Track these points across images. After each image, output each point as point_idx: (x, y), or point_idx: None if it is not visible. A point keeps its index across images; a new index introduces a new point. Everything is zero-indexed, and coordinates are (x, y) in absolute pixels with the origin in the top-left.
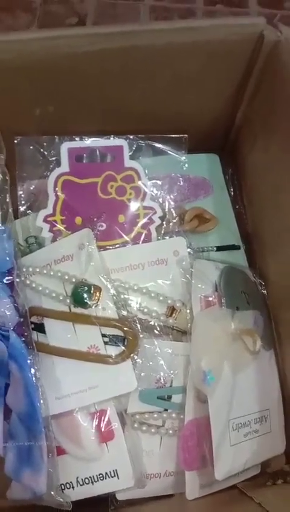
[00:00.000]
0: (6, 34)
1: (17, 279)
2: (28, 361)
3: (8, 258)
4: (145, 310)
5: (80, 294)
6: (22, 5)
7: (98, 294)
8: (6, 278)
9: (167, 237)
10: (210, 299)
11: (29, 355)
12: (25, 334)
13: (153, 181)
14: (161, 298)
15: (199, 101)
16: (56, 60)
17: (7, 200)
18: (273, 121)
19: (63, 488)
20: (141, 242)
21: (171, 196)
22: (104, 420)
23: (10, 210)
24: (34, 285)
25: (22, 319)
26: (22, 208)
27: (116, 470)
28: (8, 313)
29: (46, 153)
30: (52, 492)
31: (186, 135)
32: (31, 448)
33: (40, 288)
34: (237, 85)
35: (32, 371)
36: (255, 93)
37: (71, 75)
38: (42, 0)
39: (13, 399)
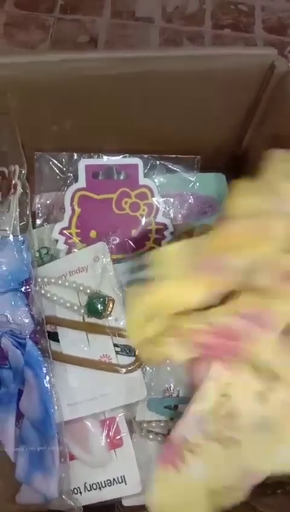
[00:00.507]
0: (28, 55)
1: (34, 289)
2: (44, 368)
3: (26, 268)
4: None
5: (95, 304)
6: (37, 23)
7: (111, 305)
8: (24, 287)
9: None
10: None
11: (45, 363)
12: (41, 341)
13: (165, 198)
14: None
15: (209, 125)
16: (76, 81)
17: (27, 212)
18: (280, 145)
19: (71, 493)
20: None
21: (182, 213)
22: (113, 427)
23: (30, 222)
24: (49, 295)
25: (38, 327)
26: (38, 221)
27: (124, 476)
28: (25, 321)
29: (64, 168)
30: (63, 497)
31: (198, 156)
32: (43, 453)
33: (55, 298)
34: (246, 112)
35: (48, 378)
36: (263, 120)
37: (90, 96)
38: (55, 18)
39: (27, 405)
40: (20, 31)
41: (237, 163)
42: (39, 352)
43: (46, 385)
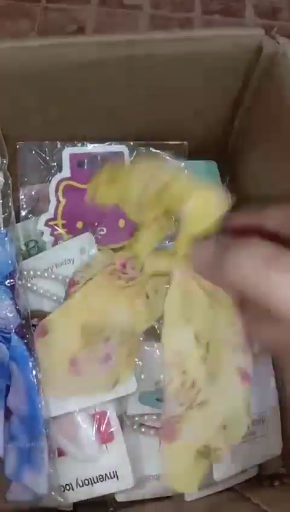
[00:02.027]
0: (9, 41)
1: (19, 282)
2: (30, 363)
3: (10, 261)
4: None
5: None
6: (23, 12)
7: None
8: (8, 280)
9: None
10: None
11: (31, 357)
12: (27, 336)
13: None
14: None
15: (198, 110)
16: (58, 67)
17: (10, 204)
18: (271, 130)
19: (62, 489)
20: None
21: None
22: (104, 422)
23: (13, 214)
24: (35, 288)
25: (23, 321)
26: (23, 212)
27: (115, 471)
28: (10, 315)
29: (47, 158)
30: (53, 493)
31: (185, 142)
32: (31, 450)
33: (42, 291)
34: (235, 94)
35: (34, 372)
36: (253, 103)
37: (73, 82)
38: (43, 8)
39: (14, 400)
40: (6, 20)
41: (228, 150)
42: (25, 347)
43: (32, 380)
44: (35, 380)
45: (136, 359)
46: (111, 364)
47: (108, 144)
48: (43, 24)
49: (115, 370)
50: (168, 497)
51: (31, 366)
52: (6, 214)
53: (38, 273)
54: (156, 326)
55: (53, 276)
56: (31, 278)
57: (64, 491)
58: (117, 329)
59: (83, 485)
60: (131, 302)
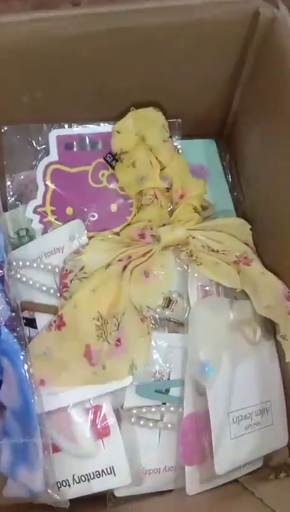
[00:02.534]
0: None
1: (8, 273)
2: (21, 357)
3: None
4: None
5: None
6: None
7: None
8: None
9: None
10: (207, 288)
11: (22, 350)
12: (17, 329)
13: None
14: None
15: (194, 84)
16: (45, 42)
17: None
18: (272, 103)
19: (59, 486)
20: None
21: None
22: (99, 416)
23: (0, 202)
24: (24, 279)
25: (13, 314)
26: (10, 200)
27: (112, 467)
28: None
29: (34, 141)
30: (49, 490)
31: (179, 120)
32: (26, 446)
33: (31, 282)
34: (233, 66)
35: (26, 366)
36: (252, 75)
37: (60, 58)
38: None
39: (7, 395)
40: None
41: (227, 128)
42: (15, 340)
43: (24, 374)
44: (27, 374)
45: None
46: (123, 348)
47: (97, 124)
48: (36, 3)
49: (128, 354)
50: (168, 491)
51: (22, 359)
52: None
53: (27, 263)
54: (151, 316)
55: (42, 266)
56: (20, 269)
57: (60, 487)
58: (127, 310)
59: (79, 482)
60: (138, 279)
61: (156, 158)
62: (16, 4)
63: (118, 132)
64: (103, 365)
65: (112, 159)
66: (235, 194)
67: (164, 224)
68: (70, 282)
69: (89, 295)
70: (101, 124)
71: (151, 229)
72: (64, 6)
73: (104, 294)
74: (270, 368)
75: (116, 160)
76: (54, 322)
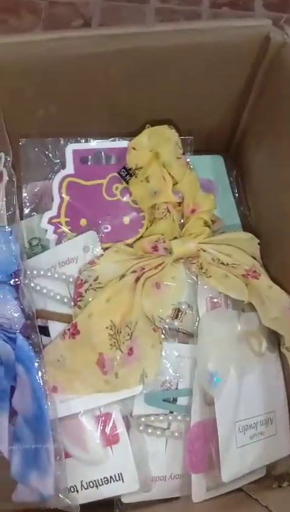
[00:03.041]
0: (10, 36)
1: (23, 281)
2: (36, 364)
3: (14, 260)
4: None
5: None
6: (28, 7)
7: None
8: (13, 280)
9: None
10: (216, 300)
11: (37, 358)
12: (32, 336)
13: None
14: None
15: (204, 103)
16: (61, 61)
17: (14, 202)
18: (279, 122)
19: (67, 491)
20: None
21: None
22: (109, 423)
23: (17, 212)
24: (38, 288)
25: (28, 321)
26: (26, 210)
27: (121, 474)
28: (15, 315)
29: (50, 155)
30: (60, 495)
31: (191, 137)
32: (37, 451)
33: (45, 291)
34: (243, 86)
35: (40, 374)
36: (261, 95)
37: (76, 76)
38: (48, 2)
39: (20, 402)
40: (11, 16)
41: (234, 144)
42: (30, 347)
43: (38, 381)
44: (41, 381)
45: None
46: (135, 357)
47: (112, 140)
48: (48, 19)
49: (140, 363)
50: (175, 499)
51: (36, 366)
52: (10, 212)
53: (42, 272)
54: (161, 327)
55: (56, 276)
56: (34, 278)
57: (68, 493)
58: (140, 320)
59: (87, 488)
60: (150, 290)
61: (169, 174)
62: (27, 17)
63: (134, 148)
64: (116, 373)
65: (126, 174)
66: (241, 208)
67: (175, 237)
68: (85, 292)
69: (103, 305)
70: (116, 140)
71: (164, 241)
72: (76, 22)
73: (118, 304)
74: (275, 379)
75: (130, 175)
76: (68, 330)
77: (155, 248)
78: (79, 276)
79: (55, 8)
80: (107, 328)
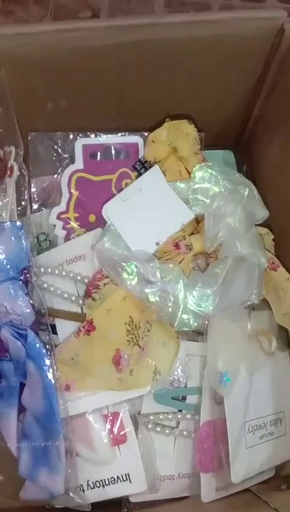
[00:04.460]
0: (20, 27)
1: (34, 278)
2: (47, 360)
3: (25, 256)
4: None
5: None
6: None
7: None
8: (24, 275)
9: None
10: None
11: (48, 355)
12: (44, 333)
13: None
14: None
15: (215, 96)
16: (71, 53)
17: (25, 196)
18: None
19: (78, 490)
20: None
21: None
22: (117, 423)
23: (28, 207)
24: (45, 286)
25: (39, 317)
26: (35, 205)
27: (128, 474)
28: (26, 311)
29: (60, 149)
30: (70, 493)
31: (203, 133)
32: (47, 449)
33: (52, 289)
34: (255, 80)
35: (51, 371)
36: (273, 88)
37: (86, 69)
38: None
39: (30, 399)
40: (18, 7)
41: (245, 139)
42: (41, 344)
43: (49, 378)
44: (52, 379)
45: (150, 359)
46: (145, 353)
47: (122, 135)
48: (56, 10)
49: (150, 359)
50: (183, 498)
51: (48, 363)
52: (21, 207)
53: (49, 270)
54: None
55: (64, 274)
56: (42, 275)
57: (78, 491)
58: (154, 315)
59: (94, 487)
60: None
61: (185, 168)
62: (34, 9)
63: (153, 142)
64: (131, 370)
65: (141, 167)
66: None
67: (193, 233)
68: (104, 285)
69: (122, 301)
70: (126, 135)
71: (184, 239)
72: (84, 14)
73: (135, 302)
74: (284, 379)
75: (146, 168)
76: (83, 327)
77: (177, 246)
78: (101, 270)
79: None
80: (125, 324)
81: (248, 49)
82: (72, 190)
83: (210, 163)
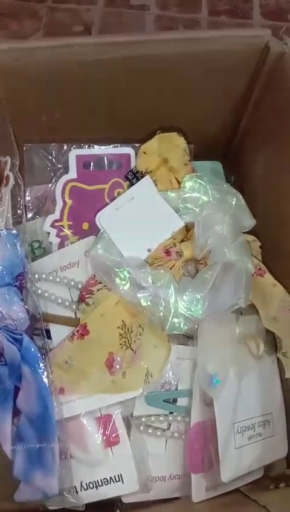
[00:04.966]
0: (15, 43)
1: (29, 284)
2: (42, 364)
3: (20, 262)
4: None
5: None
6: (29, 12)
7: None
8: (18, 282)
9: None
10: None
11: (43, 359)
12: (38, 337)
13: None
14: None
15: (204, 110)
16: (64, 68)
17: (21, 205)
18: (278, 130)
19: (73, 490)
20: None
21: None
22: (109, 425)
23: (24, 215)
24: (40, 291)
25: (33, 322)
26: (29, 214)
27: (120, 475)
28: (21, 316)
29: (54, 160)
30: (65, 494)
31: (192, 145)
32: (42, 450)
33: (46, 295)
34: (242, 94)
35: (46, 374)
36: (259, 103)
37: (79, 83)
38: (49, 8)
39: (25, 402)
40: (12, 21)
41: (233, 150)
42: (36, 348)
43: (44, 381)
44: (47, 382)
45: (142, 361)
46: (138, 356)
47: (114, 146)
48: (49, 24)
49: (142, 362)
50: (174, 499)
51: (42, 367)
52: (16, 215)
53: (43, 276)
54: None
55: (58, 280)
56: (36, 281)
57: (73, 492)
58: (145, 319)
59: (87, 488)
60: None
61: (176, 178)
62: (27, 22)
63: (145, 153)
64: (123, 373)
65: (133, 177)
66: None
67: (183, 240)
68: (97, 290)
69: (115, 305)
70: (118, 146)
71: (175, 245)
72: (76, 28)
73: (128, 307)
74: (271, 381)
75: (137, 178)
76: (77, 331)
77: (168, 253)
78: (94, 275)
79: (55, 13)
80: (118, 328)
81: (235, 66)
82: (66, 199)
83: (199, 174)
